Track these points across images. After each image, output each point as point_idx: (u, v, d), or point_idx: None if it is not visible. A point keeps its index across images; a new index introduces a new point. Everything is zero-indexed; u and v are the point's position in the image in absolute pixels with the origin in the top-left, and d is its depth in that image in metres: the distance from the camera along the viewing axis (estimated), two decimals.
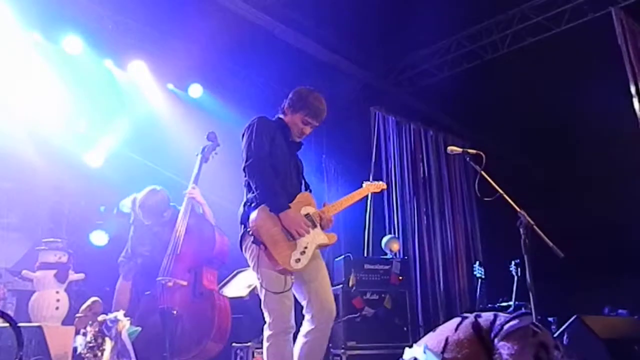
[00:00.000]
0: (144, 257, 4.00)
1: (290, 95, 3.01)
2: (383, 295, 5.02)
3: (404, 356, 1.35)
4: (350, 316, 4.89)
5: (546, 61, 5.83)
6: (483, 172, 3.17)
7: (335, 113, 6.43)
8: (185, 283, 3.76)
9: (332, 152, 6.37)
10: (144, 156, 5.59)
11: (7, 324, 2.74)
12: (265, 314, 2.72)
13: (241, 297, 4.55)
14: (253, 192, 2.70)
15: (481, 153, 3.24)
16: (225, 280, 5.06)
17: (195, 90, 6.19)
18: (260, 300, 2.78)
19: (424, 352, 1.27)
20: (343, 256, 5.24)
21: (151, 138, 5.76)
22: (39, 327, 2.89)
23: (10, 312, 3.82)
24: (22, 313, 3.83)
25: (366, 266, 5.18)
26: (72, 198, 5.45)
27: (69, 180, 5.42)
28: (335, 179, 6.57)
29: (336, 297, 5.11)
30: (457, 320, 1.38)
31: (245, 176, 2.76)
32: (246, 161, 2.72)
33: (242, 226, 2.71)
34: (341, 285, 5.00)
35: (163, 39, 5.59)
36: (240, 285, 4.78)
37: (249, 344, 4.50)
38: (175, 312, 3.64)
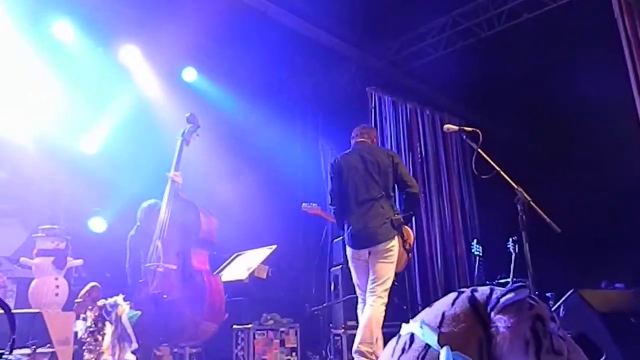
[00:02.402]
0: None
1: None
2: None
3: (401, 331, 1.36)
4: (350, 296, 4.92)
5: (543, 37, 5.77)
6: (480, 150, 3.16)
7: (331, 95, 6.43)
8: (174, 267, 3.75)
9: (329, 135, 6.34)
10: (138, 141, 5.55)
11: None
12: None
13: (241, 280, 4.59)
14: (407, 212, 3.74)
15: (477, 131, 3.22)
16: (224, 264, 5.09)
17: (189, 74, 6.14)
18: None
19: (421, 327, 1.27)
20: (341, 237, 5.25)
21: (145, 123, 5.71)
22: (39, 313, 2.90)
23: (11, 300, 3.85)
24: (23, 300, 3.85)
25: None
26: (69, 185, 5.44)
27: (65, 167, 5.40)
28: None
29: (335, 277, 5.18)
30: (453, 295, 1.37)
31: (406, 195, 3.72)
32: (414, 188, 3.74)
33: (394, 230, 3.55)
34: (340, 266, 5.02)
35: (155, 23, 5.50)
36: (239, 268, 4.81)
37: (249, 325, 4.54)
38: (165, 297, 3.69)
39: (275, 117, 5.96)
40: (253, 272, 4.61)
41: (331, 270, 5.17)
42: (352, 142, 3.95)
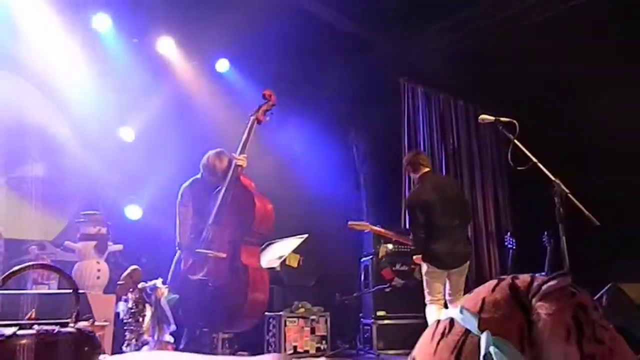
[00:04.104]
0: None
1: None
2: (413, 267, 5.05)
3: (440, 316, 1.37)
4: (380, 287, 4.95)
5: (584, 27, 5.61)
6: (516, 141, 3.12)
7: (362, 86, 6.40)
8: (224, 255, 3.68)
9: (360, 128, 6.33)
10: (173, 130, 5.66)
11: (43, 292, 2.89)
12: None
13: (273, 268, 4.65)
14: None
15: (514, 121, 3.17)
16: None
17: (222, 65, 6.24)
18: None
19: (461, 313, 1.29)
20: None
21: (180, 112, 5.83)
22: (84, 293, 3.02)
23: (55, 282, 4.01)
24: (64, 283, 4.01)
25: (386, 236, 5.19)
26: (106, 173, 5.60)
27: (102, 155, 5.56)
28: (364, 157, 6.54)
29: (366, 267, 5.22)
30: (493, 282, 1.38)
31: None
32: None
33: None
34: (371, 257, 5.05)
35: (190, 15, 5.58)
36: (271, 256, 4.88)
37: (280, 313, 4.62)
38: (210, 284, 3.72)
39: (304, 108, 5.98)
40: (285, 260, 4.67)
41: (362, 260, 5.21)
42: (424, 170, 4.13)
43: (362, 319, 5.07)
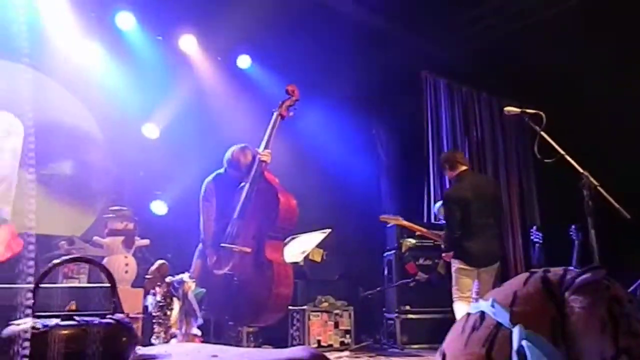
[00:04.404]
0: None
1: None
2: (436, 261, 5.02)
3: (470, 310, 1.36)
4: (404, 281, 4.94)
5: (608, 14, 5.47)
6: (543, 133, 3.07)
7: (384, 80, 6.37)
8: (249, 250, 3.69)
9: (383, 123, 6.30)
10: (198, 126, 5.73)
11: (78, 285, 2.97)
12: None
13: (297, 263, 4.68)
14: None
15: (541, 113, 3.13)
16: None
17: (244, 61, 6.27)
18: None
19: (492, 306, 1.28)
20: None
21: (203, 109, 5.89)
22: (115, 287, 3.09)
23: (84, 276, 4.10)
24: (95, 276, 4.10)
25: (418, 232, 5.18)
26: (132, 168, 5.70)
27: (128, 151, 5.66)
28: (387, 151, 6.52)
29: (389, 262, 5.21)
30: (525, 275, 1.37)
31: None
32: None
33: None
34: (394, 251, 5.04)
35: (211, 11, 5.62)
36: (294, 251, 4.90)
37: (304, 307, 4.65)
38: (235, 279, 3.76)
39: (326, 103, 5.98)
40: (308, 255, 4.69)
41: (385, 254, 5.20)
42: (462, 168, 4.19)
43: (385, 314, 5.07)
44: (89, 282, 4.01)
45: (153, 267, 3.10)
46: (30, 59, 4.87)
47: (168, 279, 2.98)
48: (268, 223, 3.83)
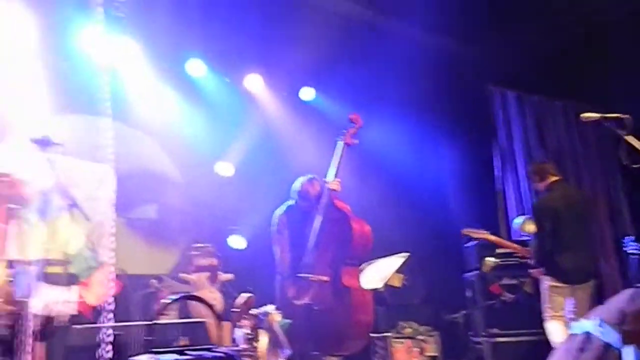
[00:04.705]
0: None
1: None
2: (522, 280, 4.79)
3: (573, 330, 1.30)
4: (489, 302, 4.75)
5: None
6: (628, 137, 2.90)
7: (450, 99, 6.29)
8: (326, 279, 3.75)
9: (450, 140, 6.19)
10: (269, 161, 5.91)
11: (174, 321, 3.11)
12: None
13: (376, 290, 4.63)
14: None
15: (623, 116, 2.95)
16: None
17: (307, 93, 6.44)
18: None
19: (600, 326, 1.21)
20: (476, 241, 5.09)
21: (274, 144, 6.07)
22: (203, 322, 3.22)
23: (174, 313, 4.30)
24: (184, 312, 4.30)
25: (499, 250, 4.97)
26: (209, 206, 5.95)
27: (204, 190, 5.93)
28: (456, 168, 6.37)
29: (471, 283, 5.03)
30: (629, 291, 1.29)
31: None
32: None
33: None
34: (475, 271, 4.87)
35: (273, 49, 5.85)
36: (373, 277, 4.86)
37: (387, 334, 4.58)
38: (315, 308, 3.78)
39: (393, 126, 5.98)
40: (388, 280, 4.64)
41: (466, 275, 5.03)
42: (553, 178, 4.10)
43: (472, 337, 4.87)
44: (179, 318, 4.20)
45: (240, 301, 3.20)
46: (114, 112, 5.31)
47: (254, 312, 3.06)
48: (343, 251, 3.87)
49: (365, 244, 3.96)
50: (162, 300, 1.75)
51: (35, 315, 2.35)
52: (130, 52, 5.29)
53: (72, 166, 3.30)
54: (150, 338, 1.53)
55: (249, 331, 3.00)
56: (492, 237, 4.30)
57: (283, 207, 4.26)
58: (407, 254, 4.86)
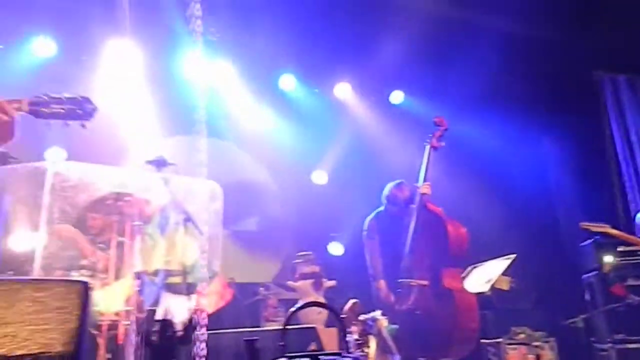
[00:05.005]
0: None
1: None
2: None
3: None
4: (613, 306, 4.37)
5: None
6: None
7: (553, 89, 5.92)
8: (426, 283, 3.76)
9: (555, 132, 5.82)
10: (362, 167, 5.94)
11: (280, 327, 3.20)
12: None
13: (483, 293, 4.46)
14: None
15: None
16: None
17: (397, 97, 6.40)
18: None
19: None
20: (592, 239, 4.73)
21: (367, 150, 6.10)
22: (314, 328, 3.30)
23: (282, 319, 4.44)
24: (292, 320, 4.41)
25: (620, 248, 4.57)
26: (306, 215, 6.09)
27: (301, 199, 6.09)
28: (563, 162, 5.96)
29: (589, 285, 4.67)
30: None
31: None
32: None
33: None
34: (594, 272, 4.51)
35: (360, 57, 5.89)
36: (479, 280, 4.69)
37: (499, 340, 4.37)
38: (418, 312, 3.75)
39: (492, 122, 5.75)
40: (494, 284, 4.44)
41: (583, 277, 4.68)
42: None
43: (596, 344, 4.50)
44: (286, 325, 4.32)
45: (346, 307, 3.24)
46: (215, 131, 5.63)
47: (361, 317, 3.08)
48: (440, 253, 3.89)
49: (461, 245, 3.96)
50: (291, 309, 1.82)
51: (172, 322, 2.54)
52: (226, 72, 5.61)
53: (184, 184, 3.56)
54: (282, 343, 1.59)
55: (357, 337, 3.02)
56: (615, 231, 3.93)
57: (373, 213, 4.34)
58: (513, 255, 4.64)
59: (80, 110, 1.64)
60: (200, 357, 2.50)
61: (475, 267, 4.98)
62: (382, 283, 4.04)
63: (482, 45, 5.34)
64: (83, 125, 1.69)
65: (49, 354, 0.88)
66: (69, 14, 4.68)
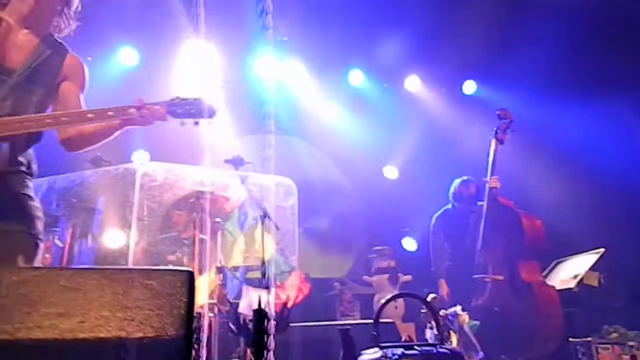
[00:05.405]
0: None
1: None
2: None
3: None
4: None
5: None
6: None
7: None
8: (501, 278, 3.69)
9: None
10: (435, 160, 5.82)
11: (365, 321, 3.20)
12: None
13: (569, 289, 4.24)
14: None
15: None
16: (544, 273, 4.80)
17: (469, 87, 6.21)
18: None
19: None
20: None
21: (437, 142, 5.97)
22: (392, 323, 3.29)
23: (357, 313, 4.46)
24: (366, 313, 4.42)
25: None
26: (378, 210, 6.06)
27: (373, 195, 6.07)
28: None
29: None
30: None
31: None
32: None
33: None
34: None
35: (431, 48, 5.75)
36: (564, 276, 4.46)
37: (589, 338, 4.12)
38: (496, 309, 3.66)
39: (571, 106, 5.43)
40: (581, 279, 4.21)
41: None
42: None
43: None
44: (361, 319, 4.34)
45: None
46: (287, 128, 5.74)
47: (442, 313, 3.03)
48: (514, 246, 3.81)
49: (537, 238, 3.86)
50: (381, 300, 1.84)
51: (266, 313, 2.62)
52: (296, 70, 5.70)
53: (260, 181, 3.66)
54: (375, 333, 1.61)
55: (437, 332, 2.96)
56: None
57: (440, 211, 4.37)
58: (602, 249, 4.38)
59: (205, 109, 1.81)
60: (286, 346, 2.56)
61: (560, 262, 4.75)
62: (443, 282, 4.07)
63: (557, 23, 5.06)
64: (210, 122, 1.87)
65: (164, 337, 0.94)
66: (148, 24, 4.95)
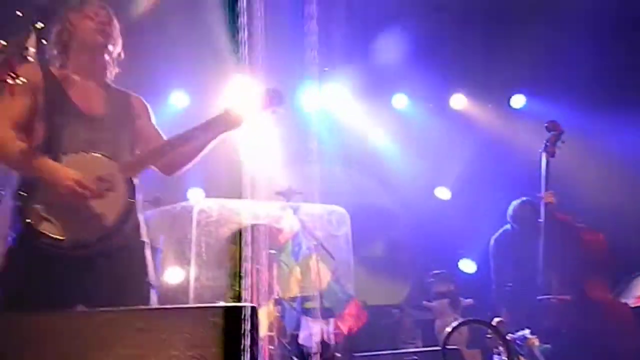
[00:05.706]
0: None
1: None
2: None
3: None
4: None
5: None
6: None
7: None
8: (567, 298, 3.54)
9: None
10: (487, 179, 5.67)
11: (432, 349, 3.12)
12: None
13: None
14: None
15: None
16: (616, 290, 4.52)
17: (518, 100, 6.07)
18: None
19: None
20: None
21: (490, 160, 5.82)
22: (458, 349, 3.18)
23: (419, 341, 4.34)
24: (428, 340, 4.30)
25: None
26: (433, 232, 5.93)
27: (425, 218, 5.95)
28: None
29: None
30: None
31: None
32: None
33: None
34: None
35: (476, 63, 5.66)
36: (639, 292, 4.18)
37: None
38: (564, 331, 3.48)
39: (629, 112, 5.18)
40: None
41: None
42: None
43: None
44: (423, 346, 4.22)
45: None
46: (334, 157, 5.77)
47: (509, 336, 2.90)
48: (578, 263, 3.64)
49: (600, 252, 3.71)
50: (445, 327, 1.79)
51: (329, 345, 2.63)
52: (341, 97, 5.76)
53: (312, 211, 3.69)
54: None
55: (506, 358, 2.84)
56: None
57: (499, 232, 4.26)
58: None
59: (278, 97, 2.15)
60: None
61: (635, 277, 4.46)
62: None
63: (603, 32, 4.89)
64: (274, 111, 2.17)
65: None
66: (196, 64, 5.16)
